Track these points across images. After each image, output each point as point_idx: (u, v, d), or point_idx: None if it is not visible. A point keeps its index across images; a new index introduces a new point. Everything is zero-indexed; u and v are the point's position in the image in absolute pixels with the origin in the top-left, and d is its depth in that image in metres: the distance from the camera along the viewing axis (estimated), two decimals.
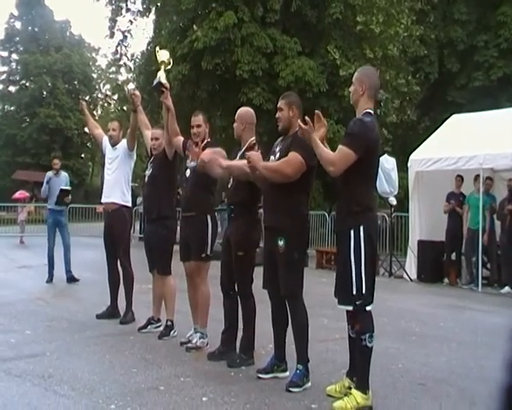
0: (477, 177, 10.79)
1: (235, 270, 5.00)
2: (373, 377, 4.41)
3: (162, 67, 5.84)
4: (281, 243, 4.45)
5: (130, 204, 6.91)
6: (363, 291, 4.00)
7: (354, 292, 4.00)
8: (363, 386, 4.01)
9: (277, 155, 4.57)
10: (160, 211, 6.02)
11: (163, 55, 5.97)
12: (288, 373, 4.65)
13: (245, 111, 5.22)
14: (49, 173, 10.06)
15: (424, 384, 4.67)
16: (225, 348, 5.12)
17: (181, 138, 5.88)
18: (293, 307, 4.50)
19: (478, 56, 21.17)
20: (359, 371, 4.06)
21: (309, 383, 4.42)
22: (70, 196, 10.02)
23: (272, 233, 4.56)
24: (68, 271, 9.85)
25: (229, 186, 5.09)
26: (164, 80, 5.75)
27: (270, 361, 4.74)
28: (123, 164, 6.81)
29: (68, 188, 9.95)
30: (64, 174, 10.25)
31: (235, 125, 5.18)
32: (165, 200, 6.08)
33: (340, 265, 4.20)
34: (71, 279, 9.79)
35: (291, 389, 4.34)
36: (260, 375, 4.65)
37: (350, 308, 4.04)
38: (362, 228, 4.02)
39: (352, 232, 4.04)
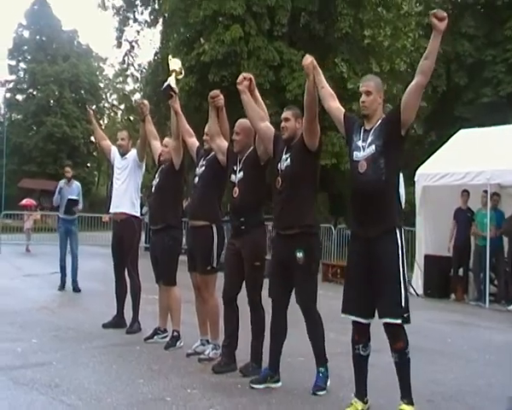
0: (484, 192, 10.78)
1: (248, 281, 4.99)
2: (380, 392, 4.40)
3: (173, 74, 5.83)
4: (300, 254, 4.49)
5: (138, 214, 6.92)
6: (408, 303, 3.88)
7: (403, 304, 3.84)
8: (412, 401, 3.93)
9: (288, 162, 4.60)
10: (165, 221, 6.02)
11: (175, 63, 5.95)
12: (280, 384, 4.73)
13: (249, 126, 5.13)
14: (61, 183, 10.12)
15: (432, 401, 4.62)
16: (229, 359, 5.10)
17: (196, 142, 5.87)
18: (310, 315, 4.60)
19: (486, 72, 21.22)
20: (407, 387, 3.94)
21: (328, 382, 4.59)
22: (80, 206, 10.14)
23: (289, 243, 4.56)
24: (74, 280, 9.85)
25: (235, 195, 5.04)
26: (174, 85, 5.76)
27: (264, 372, 4.77)
28: (133, 174, 6.82)
29: (75, 198, 9.97)
30: (76, 184, 10.34)
31: (239, 137, 5.13)
32: (172, 210, 6.06)
33: (380, 274, 3.89)
34: (76, 289, 9.80)
35: (318, 392, 4.51)
36: (253, 385, 4.67)
37: (398, 321, 3.84)
38: (402, 229, 3.92)
39: (397, 231, 3.89)
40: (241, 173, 5.05)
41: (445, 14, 3.69)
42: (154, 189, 6.21)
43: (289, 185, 4.58)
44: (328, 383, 4.61)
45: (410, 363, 3.96)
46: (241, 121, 5.20)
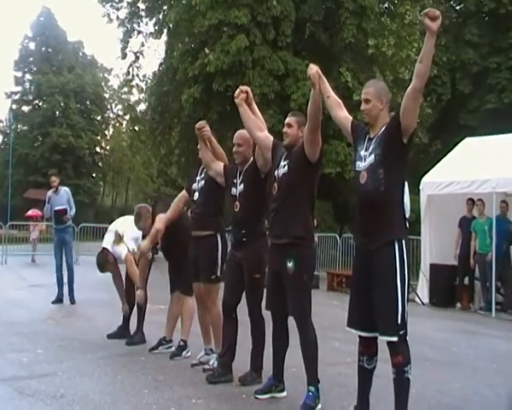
0: (478, 200, 10.91)
1: (248, 292, 5.00)
2: (386, 402, 4.35)
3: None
4: (290, 264, 4.42)
5: None
6: (406, 318, 3.70)
7: (399, 321, 3.67)
8: None
9: (285, 169, 4.56)
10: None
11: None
12: (285, 393, 4.68)
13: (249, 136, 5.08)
14: (49, 192, 9.74)
15: None
16: (224, 370, 5.09)
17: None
18: (303, 328, 4.47)
19: (490, 79, 21.27)
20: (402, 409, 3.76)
21: (319, 405, 4.37)
22: (72, 212, 9.72)
23: (280, 253, 4.50)
24: (70, 291, 9.57)
25: (236, 209, 5.04)
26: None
27: (268, 382, 4.73)
28: None
29: (61, 208, 9.56)
30: (64, 190, 9.81)
31: (241, 148, 5.10)
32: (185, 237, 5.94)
33: (378, 289, 3.75)
34: (71, 301, 9.53)
35: None
36: (258, 395, 4.62)
37: (395, 339, 3.66)
38: (404, 242, 3.76)
39: (396, 245, 3.73)
40: (242, 186, 5.04)
41: (438, 13, 3.45)
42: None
43: (284, 193, 4.54)
44: (319, 406, 4.35)
45: (408, 385, 3.74)
46: (241, 132, 5.16)
